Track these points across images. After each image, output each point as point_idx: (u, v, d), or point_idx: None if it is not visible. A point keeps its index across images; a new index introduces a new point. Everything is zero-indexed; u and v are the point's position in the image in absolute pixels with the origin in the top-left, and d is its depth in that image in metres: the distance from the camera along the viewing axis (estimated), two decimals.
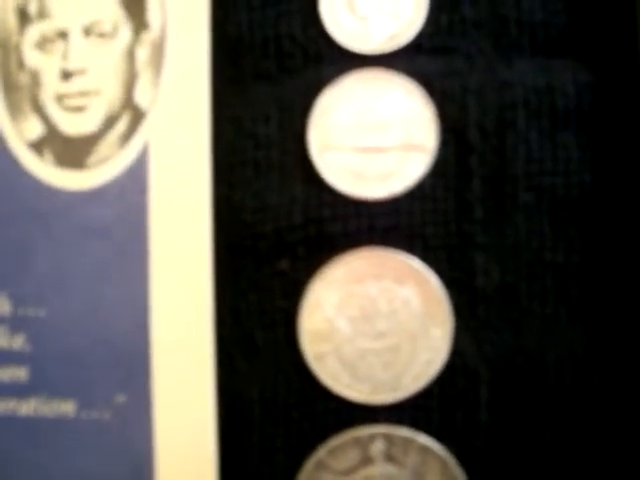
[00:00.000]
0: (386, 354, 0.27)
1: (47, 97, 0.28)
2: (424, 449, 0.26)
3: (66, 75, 0.28)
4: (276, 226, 0.27)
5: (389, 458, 0.26)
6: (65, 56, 0.28)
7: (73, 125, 0.28)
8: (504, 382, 0.26)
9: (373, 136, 0.27)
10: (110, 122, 0.28)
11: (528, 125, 0.26)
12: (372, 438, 0.26)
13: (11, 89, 0.28)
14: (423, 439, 0.26)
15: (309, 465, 0.27)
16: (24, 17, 0.28)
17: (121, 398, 0.27)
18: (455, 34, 0.27)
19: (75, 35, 0.28)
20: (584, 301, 0.26)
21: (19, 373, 0.28)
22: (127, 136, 0.27)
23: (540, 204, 0.26)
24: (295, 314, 0.27)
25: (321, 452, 0.27)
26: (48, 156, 0.28)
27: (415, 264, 0.27)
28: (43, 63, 0.28)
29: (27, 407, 0.28)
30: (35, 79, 0.28)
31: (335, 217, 0.27)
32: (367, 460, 0.27)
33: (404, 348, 0.27)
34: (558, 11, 0.27)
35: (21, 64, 0.28)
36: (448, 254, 0.27)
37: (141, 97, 0.27)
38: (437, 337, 0.26)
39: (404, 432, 0.26)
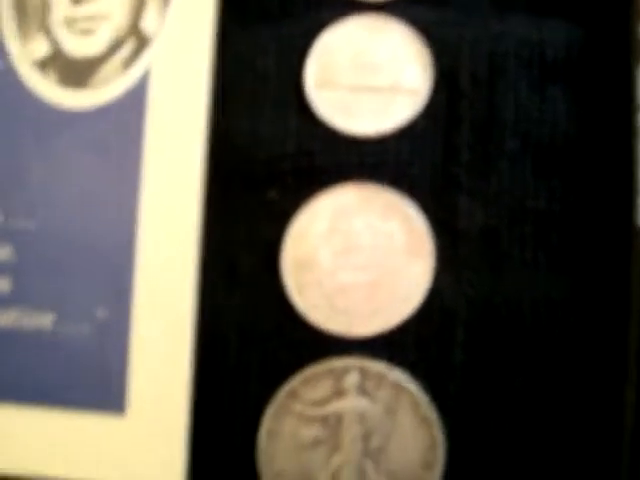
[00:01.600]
0: (366, 288, 0.26)
1: (56, 19, 0.28)
2: (397, 385, 0.26)
3: (77, 0, 0.28)
4: (268, 155, 0.27)
5: (362, 391, 0.26)
6: None
7: (79, 47, 0.28)
8: (481, 323, 0.26)
9: (368, 76, 0.27)
10: (115, 46, 0.27)
11: (518, 75, 0.26)
12: (346, 370, 0.26)
13: (22, 10, 0.28)
14: (397, 375, 0.26)
15: (281, 393, 0.26)
16: None
17: (103, 313, 0.26)
18: None
19: None
20: (563, 248, 0.26)
21: (2, 284, 0.27)
22: (130, 60, 0.27)
23: (525, 152, 0.26)
24: (280, 243, 0.26)
25: (295, 381, 0.26)
26: (52, 75, 0.28)
27: (401, 201, 0.26)
28: None
29: (7, 318, 0.27)
30: (45, 3, 0.28)
31: (326, 150, 0.27)
32: (340, 392, 0.26)
33: (384, 283, 0.26)
34: None
35: None
36: (433, 194, 0.26)
37: (147, 24, 0.27)
38: (417, 274, 0.26)
39: (378, 366, 0.26)
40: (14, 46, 0.27)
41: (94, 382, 0.25)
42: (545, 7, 0.26)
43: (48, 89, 0.27)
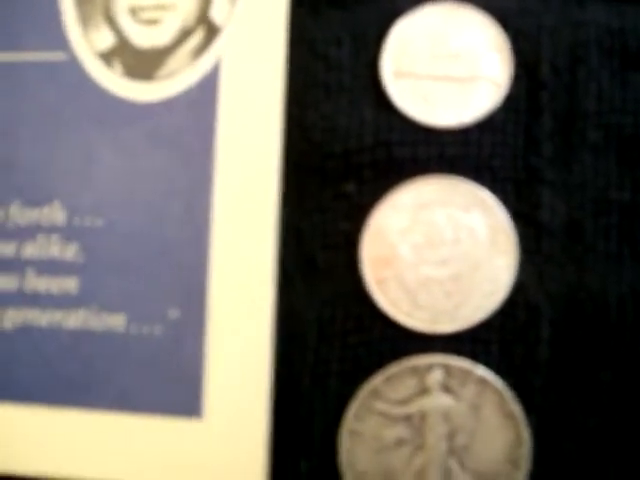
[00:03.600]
0: (448, 282, 0.25)
1: (121, 9, 0.27)
2: (482, 381, 0.25)
3: None
4: (344, 147, 0.25)
5: (446, 389, 0.25)
6: None
7: (145, 37, 0.26)
8: (566, 319, 0.25)
9: (447, 65, 0.26)
10: (183, 36, 0.26)
11: (600, 64, 0.25)
12: (430, 368, 0.25)
13: (84, 1, 0.27)
14: (481, 371, 0.25)
15: (364, 392, 0.25)
16: None
17: (174, 313, 0.25)
18: None
19: None
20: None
21: (69, 283, 0.26)
22: (199, 51, 0.26)
23: (608, 142, 0.25)
24: (358, 238, 0.25)
25: (377, 380, 0.25)
26: (117, 67, 0.26)
27: (482, 194, 0.25)
28: None
29: (75, 319, 0.26)
30: None
31: (404, 142, 0.25)
32: (423, 390, 0.25)
33: (467, 277, 0.25)
34: None
35: None
36: (515, 187, 0.25)
37: (217, 13, 0.26)
38: (500, 268, 0.25)
39: (463, 363, 0.25)
40: (77, 36, 0.26)
41: (169, 385, 0.24)
42: None
43: (114, 81, 0.25)
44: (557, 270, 0.25)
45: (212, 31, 0.26)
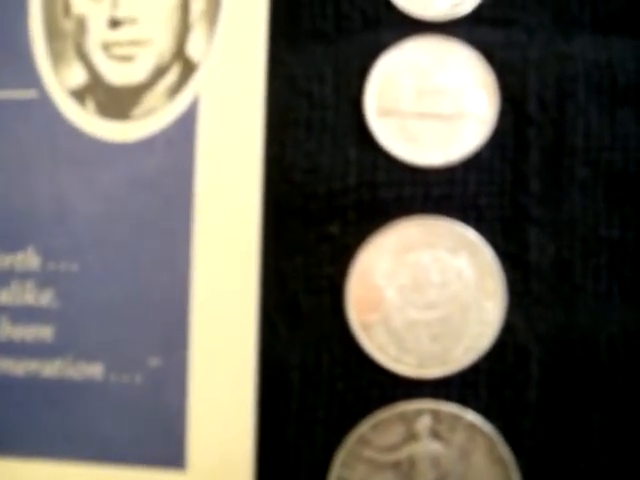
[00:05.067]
0: (436, 326, 0.24)
1: (93, 45, 0.25)
2: (471, 426, 0.24)
3: (115, 23, 0.25)
4: (328, 188, 0.25)
5: (435, 435, 0.24)
6: (114, 4, 0.25)
7: (119, 74, 0.25)
8: (555, 360, 0.24)
9: (431, 102, 0.25)
10: (159, 73, 0.25)
11: (588, 99, 0.25)
12: (418, 413, 0.24)
13: (55, 35, 0.26)
14: (471, 416, 0.24)
15: (351, 439, 0.24)
16: None
17: (155, 361, 0.24)
18: (516, 6, 0.25)
19: None
20: (638, 279, 0.24)
21: (44, 332, 0.25)
22: (176, 88, 0.25)
23: (597, 179, 0.25)
24: (343, 281, 0.24)
25: (364, 426, 0.24)
26: (90, 105, 0.25)
27: (469, 235, 0.24)
28: (90, 10, 0.25)
29: (51, 369, 0.25)
30: (81, 26, 0.26)
31: (389, 182, 0.24)
32: (412, 436, 0.24)
33: (454, 320, 0.24)
34: None
35: (67, 10, 0.26)
36: (502, 226, 0.25)
37: (193, 49, 0.25)
38: (489, 311, 0.24)
39: (452, 408, 0.24)
40: (48, 74, 0.25)
41: (151, 436, 0.23)
42: (612, 25, 0.25)
43: (87, 120, 0.24)
44: (546, 311, 0.24)
45: (189, 67, 0.25)
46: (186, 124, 0.24)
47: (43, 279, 0.25)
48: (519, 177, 0.25)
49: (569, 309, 0.24)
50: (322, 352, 0.24)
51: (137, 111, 0.25)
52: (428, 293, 0.24)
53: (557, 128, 0.25)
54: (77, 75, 0.25)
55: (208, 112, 0.25)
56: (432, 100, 0.25)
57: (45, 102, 0.25)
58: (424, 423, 0.24)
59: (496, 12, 0.25)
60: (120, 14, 0.25)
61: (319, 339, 0.24)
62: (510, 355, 0.24)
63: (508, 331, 0.24)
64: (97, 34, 0.25)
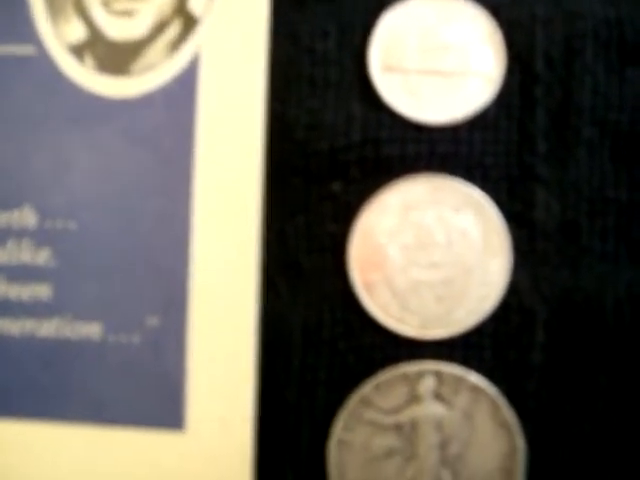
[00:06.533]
0: (439, 286, 0.24)
1: (92, 0, 0.25)
2: (475, 389, 0.23)
3: None
4: (330, 145, 0.24)
5: (438, 397, 0.23)
6: None
7: (119, 29, 0.24)
8: (560, 322, 0.24)
9: (437, 59, 0.24)
10: (159, 28, 0.24)
11: (596, 57, 0.24)
12: (421, 375, 0.23)
13: None
14: (474, 378, 0.23)
15: (353, 401, 0.23)
16: None
17: (153, 321, 0.24)
18: None
19: None
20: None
21: (41, 290, 0.24)
22: (177, 44, 0.24)
23: (603, 139, 0.24)
24: (345, 240, 0.24)
25: (367, 388, 0.23)
26: (89, 61, 0.25)
27: (474, 193, 0.24)
28: None
29: (48, 328, 0.24)
30: None
31: (393, 139, 0.24)
32: (414, 398, 0.23)
33: (459, 281, 0.24)
34: None
35: None
36: (508, 186, 0.24)
37: (195, 4, 0.24)
38: (493, 271, 0.24)
39: (455, 370, 0.23)
40: (46, 29, 0.24)
41: (149, 396, 0.23)
42: None
43: (86, 76, 0.24)
44: (552, 272, 0.24)
45: (190, 23, 0.24)
46: (187, 80, 0.24)
47: (40, 237, 0.24)
48: (525, 136, 0.24)
49: (575, 270, 0.24)
50: (324, 312, 0.24)
51: (137, 67, 0.24)
52: (432, 253, 0.24)
53: (564, 87, 0.24)
54: (76, 30, 0.25)
55: (209, 68, 0.24)
56: (437, 57, 0.24)
57: (43, 58, 0.25)
58: (427, 385, 0.23)
59: None
60: None
61: (321, 299, 0.24)
62: (515, 317, 0.24)
63: (513, 292, 0.24)
64: None
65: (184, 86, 0.24)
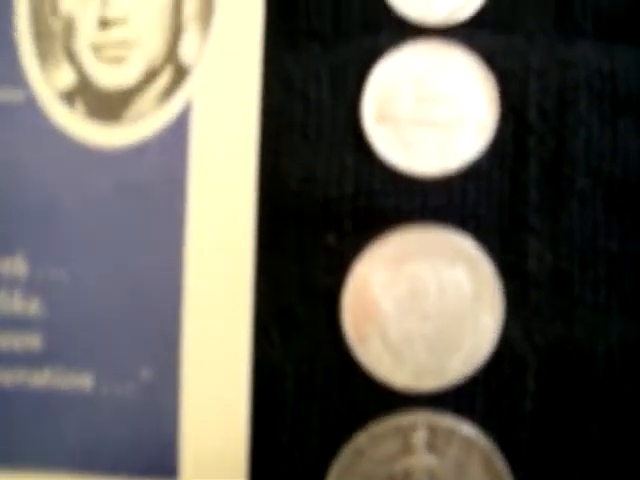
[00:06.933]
0: (432, 338, 0.24)
1: (82, 46, 0.25)
2: (467, 440, 0.24)
3: (104, 24, 0.24)
4: (324, 196, 0.24)
5: (431, 448, 0.23)
6: (104, 3, 0.24)
7: (109, 76, 0.24)
8: (552, 372, 0.24)
9: (430, 109, 0.24)
10: (150, 76, 0.24)
11: (589, 108, 0.24)
12: (414, 426, 0.24)
13: (42, 36, 0.25)
14: (467, 430, 0.23)
15: (347, 452, 0.23)
16: None
17: (146, 372, 0.24)
18: (517, 11, 0.25)
19: None
20: (637, 291, 0.24)
21: (32, 340, 0.24)
22: (169, 92, 0.24)
23: (596, 189, 0.24)
24: (339, 291, 0.24)
25: (361, 439, 0.24)
26: (80, 108, 0.24)
27: (467, 245, 0.24)
28: (79, 9, 0.24)
29: (40, 378, 0.24)
30: (69, 26, 0.25)
31: (386, 191, 0.24)
32: (407, 449, 0.24)
33: (451, 332, 0.24)
34: None
35: (55, 9, 0.25)
36: (501, 236, 0.24)
37: (186, 51, 0.24)
38: (486, 322, 0.24)
39: (448, 421, 0.24)
40: (35, 75, 0.24)
41: (142, 446, 0.23)
42: (615, 32, 0.24)
43: (76, 124, 0.24)
44: (544, 322, 0.24)
45: (181, 71, 0.24)
46: (178, 129, 0.24)
47: (31, 287, 0.24)
48: (518, 187, 0.24)
49: (567, 321, 0.24)
50: (317, 362, 0.24)
51: (128, 115, 0.24)
52: (425, 304, 0.24)
53: (557, 137, 0.24)
54: (66, 76, 0.24)
55: (201, 117, 0.24)
56: (431, 107, 0.24)
57: (32, 104, 0.24)
58: (420, 436, 0.23)
59: (497, 17, 0.25)
60: (110, 14, 0.24)
61: (314, 350, 0.24)
62: (507, 367, 0.24)
63: (505, 343, 0.24)
64: (86, 34, 0.24)
65: (176, 135, 0.24)
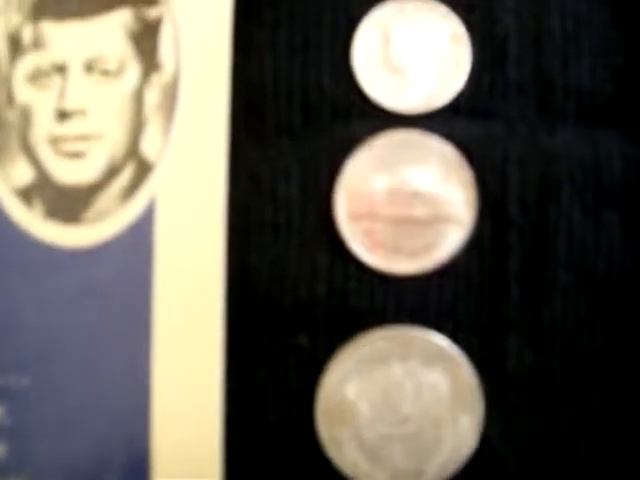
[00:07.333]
0: (409, 440, 0.23)
1: (39, 139, 0.24)
2: None
3: (62, 115, 0.23)
4: (295, 298, 0.23)
5: None
6: (62, 93, 0.23)
7: (69, 173, 0.23)
8: (533, 472, 0.23)
9: (405, 205, 0.24)
10: (112, 172, 0.23)
11: (572, 201, 0.23)
12: None
13: None
14: None
15: None
16: (16, 46, 0.24)
17: (112, 478, 0.23)
18: (496, 97, 0.23)
19: (74, 70, 0.23)
20: (620, 389, 0.23)
21: None
22: (131, 190, 0.23)
23: (579, 285, 0.23)
24: (312, 394, 0.23)
25: None
26: (38, 206, 0.23)
27: (444, 345, 0.23)
28: (36, 100, 0.23)
29: None
30: (26, 117, 0.24)
31: (360, 291, 0.23)
32: None
33: (428, 434, 0.23)
34: (607, 79, 0.24)
35: (10, 99, 0.24)
36: (480, 335, 0.23)
37: (149, 146, 0.23)
38: (465, 423, 0.24)
39: None
40: None
41: None
42: (599, 120, 0.23)
43: (35, 224, 0.23)
44: (524, 422, 0.23)
45: (144, 167, 0.23)
46: (142, 229, 0.23)
47: None
48: (498, 283, 0.23)
49: (548, 420, 0.24)
50: (290, 464, 0.23)
51: (89, 214, 0.23)
52: (401, 407, 0.23)
53: (539, 232, 0.23)
54: (23, 172, 0.23)
55: (165, 216, 0.23)
56: (406, 202, 0.23)
57: None
58: None
59: (474, 103, 0.24)
60: (68, 105, 0.23)
61: (287, 454, 0.23)
62: (486, 468, 0.23)
63: (484, 444, 0.24)
64: (43, 127, 0.23)
65: (139, 235, 0.23)
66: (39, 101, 0.24)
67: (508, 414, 0.24)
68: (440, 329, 0.24)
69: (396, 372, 0.24)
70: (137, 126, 0.24)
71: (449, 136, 0.24)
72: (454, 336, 0.24)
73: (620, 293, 0.24)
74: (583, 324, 0.25)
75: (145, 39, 0.24)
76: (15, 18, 0.24)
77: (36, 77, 0.24)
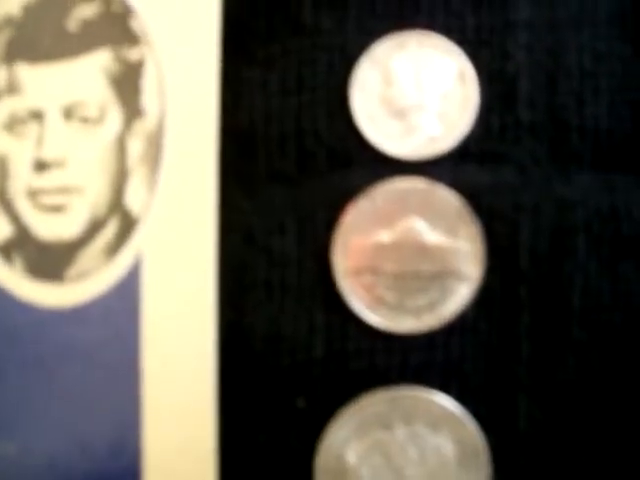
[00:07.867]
0: None
1: (17, 191, 0.23)
2: None
3: (41, 166, 0.22)
4: (291, 360, 0.22)
5: None
6: (40, 142, 0.22)
7: (49, 228, 0.22)
8: None
9: (409, 260, 0.22)
10: (95, 227, 0.22)
11: (588, 253, 0.22)
12: None
13: None
14: None
15: None
16: None
17: None
18: (507, 140, 0.22)
19: (52, 117, 0.22)
20: (636, 445, 0.22)
21: None
22: (115, 246, 0.22)
23: (594, 341, 0.22)
24: (311, 458, 0.22)
25: None
26: (19, 263, 0.22)
27: (450, 406, 0.22)
28: (12, 149, 0.23)
29: None
30: (2, 168, 0.22)
31: (361, 352, 0.22)
32: None
33: None
34: (626, 117, 0.22)
35: None
36: (488, 395, 0.22)
37: (133, 199, 0.22)
38: None
39: None
40: None
41: None
42: (616, 164, 0.21)
43: (15, 282, 0.22)
44: None
45: (129, 221, 0.22)
46: (127, 288, 0.22)
47: None
48: (508, 341, 0.22)
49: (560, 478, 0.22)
50: None
51: (72, 272, 0.22)
52: (404, 472, 0.22)
53: (552, 286, 0.22)
54: (1, 227, 0.22)
55: (152, 274, 0.22)
56: (410, 256, 0.22)
57: None
58: None
59: (483, 147, 0.22)
60: (46, 155, 0.22)
61: None
62: None
63: None
64: (21, 178, 0.22)
65: (125, 294, 0.22)
66: (16, 151, 0.23)
67: (518, 477, 0.23)
68: (446, 390, 0.24)
69: (399, 436, 0.23)
70: (120, 177, 0.22)
71: (456, 184, 0.23)
72: (461, 397, 0.23)
73: (637, 349, 0.23)
74: (598, 383, 0.23)
75: (127, 82, 0.22)
76: None
77: (12, 124, 0.23)
